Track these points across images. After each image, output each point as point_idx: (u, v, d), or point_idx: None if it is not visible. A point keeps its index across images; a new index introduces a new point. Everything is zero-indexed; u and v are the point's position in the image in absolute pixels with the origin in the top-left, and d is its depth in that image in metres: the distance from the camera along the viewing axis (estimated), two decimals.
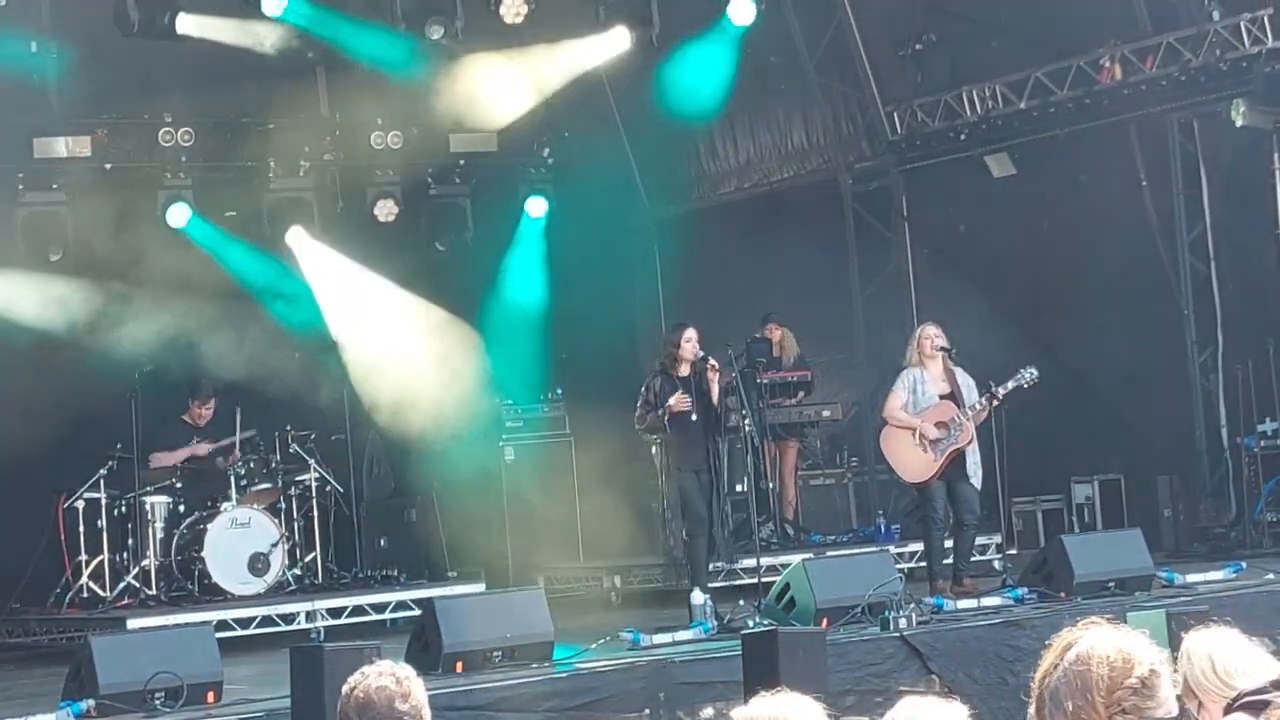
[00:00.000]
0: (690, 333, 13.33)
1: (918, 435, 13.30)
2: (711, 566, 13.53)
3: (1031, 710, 3.49)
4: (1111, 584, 12.66)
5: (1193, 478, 16.37)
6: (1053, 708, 3.45)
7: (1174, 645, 9.63)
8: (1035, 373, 13.29)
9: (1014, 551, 15.30)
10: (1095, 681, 3.42)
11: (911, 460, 13.43)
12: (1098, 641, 3.48)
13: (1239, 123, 15.60)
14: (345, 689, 4.98)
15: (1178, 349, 16.39)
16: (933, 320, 13.88)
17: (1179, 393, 16.35)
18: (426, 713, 4.97)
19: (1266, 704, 4.80)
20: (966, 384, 13.40)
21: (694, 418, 13.09)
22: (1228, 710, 5.18)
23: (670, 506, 13.28)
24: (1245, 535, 15.57)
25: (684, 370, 13.28)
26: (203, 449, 15.75)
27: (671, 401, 13.03)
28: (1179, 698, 5.33)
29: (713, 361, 13.21)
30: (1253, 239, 16.13)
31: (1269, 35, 15.25)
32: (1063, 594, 12.52)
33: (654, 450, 13.35)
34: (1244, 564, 13.60)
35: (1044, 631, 11.46)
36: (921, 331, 13.66)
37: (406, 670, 5.02)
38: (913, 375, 13.50)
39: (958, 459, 13.31)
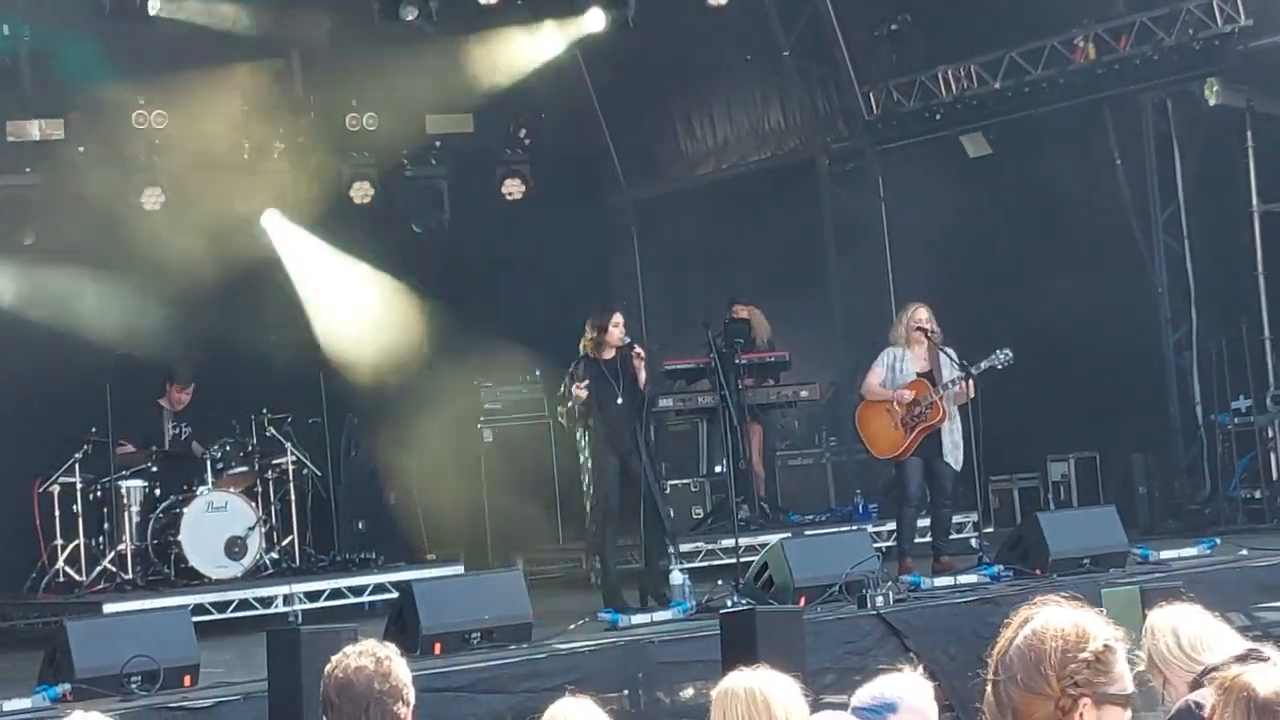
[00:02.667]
0: (618, 317, 13.15)
1: (892, 409, 13.32)
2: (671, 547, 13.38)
3: (988, 688, 3.52)
4: (1087, 561, 12.70)
5: (1167, 455, 16.42)
6: (1006, 681, 3.47)
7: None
8: (1009, 354, 13.31)
9: (990, 529, 15.35)
10: (1048, 654, 3.43)
11: (884, 436, 13.48)
12: (1053, 617, 3.49)
13: (1213, 101, 15.63)
14: (327, 669, 4.98)
15: (1152, 327, 16.44)
16: (925, 303, 13.79)
17: (1153, 371, 16.40)
18: (409, 692, 4.97)
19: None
20: (948, 366, 13.41)
21: (619, 401, 12.93)
22: (1193, 686, 5.21)
23: (593, 492, 13.04)
24: (1219, 512, 15.63)
25: (608, 354, 13.01)
26: (177, 431, 15.72)
27: (575, 390, 12.76)
28: (1144, 673, 5.37)
29: (638, 349, 13.09)
30: (1226, 217, 16.17)
31: (1241, 14, 15.28)
32: (1038, 571, 12.56)
33: (579, 437, 13.09)
34: (1218, 540, 13.65)
35: (1019, 609, 11.48)
36: (913, 313, 13.62)
37: (388, 650, 5.02)
38: (894, 353, 13.54)
39: (933, 437, 13.34)
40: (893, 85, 18.09)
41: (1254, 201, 15.83)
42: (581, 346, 13.13)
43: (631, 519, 12.98)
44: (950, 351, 13.45)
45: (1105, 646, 3.46)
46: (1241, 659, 3.83)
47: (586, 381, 12.78)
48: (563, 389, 13.08)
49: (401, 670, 5.03)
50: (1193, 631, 5.42)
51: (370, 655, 4.98)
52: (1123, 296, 16.50)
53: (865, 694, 4.98)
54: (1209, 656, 5.18)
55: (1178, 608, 5.55)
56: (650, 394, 13.48)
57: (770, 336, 17.39)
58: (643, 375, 13.02)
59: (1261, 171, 15.75)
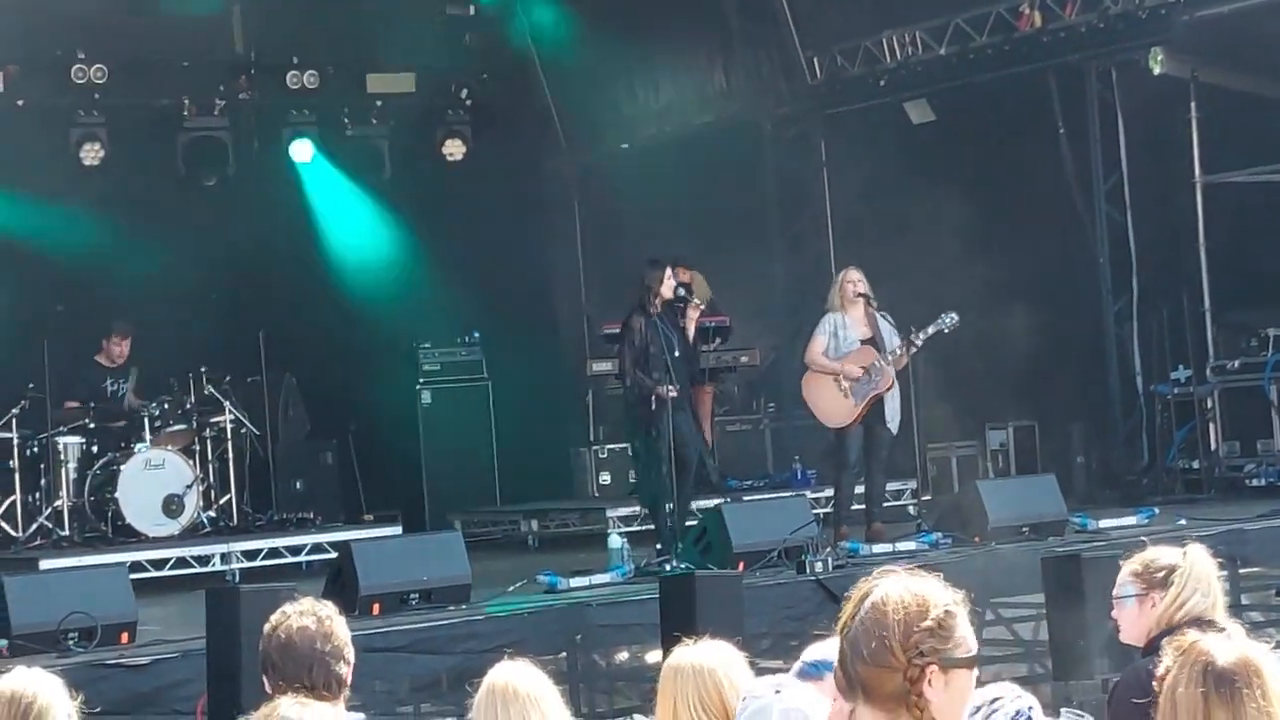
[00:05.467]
0: (670, 270, 13.23)
1: (840, 380, 13.31)
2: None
3: (835, 663, 3.51)
4: (1025, 529, 12.76)
5: (1106, 425, 16.49)
6: (853, 656, 3.46)
7: (1087, 589, 9.77)
8: (955, 318, 13.34)
9: (928, 497, 15.39)
10: (891, 626, 3.42)
11: (833, 406, 13.43)
12: (892, 588, 3.48)
13: (1157, 71, 15.66)
14: (267, 628, 4.95)
15: (1092, 297, 16.49)
16: (856, 265, 13.88)
17: (1093, 340, 16.46)
18: (350, 651, 4.95)
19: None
20: (887, 330, 13.43)
21: (676, 354, 12.96)
22: (1147, 649, 5.26)
23: (650, 451, 12.97)
24: (1158, 482, 15.72)
25: (661, 309, 13.04)
26: (115, 387, 15.63)
27: (661, 391, 12.74)
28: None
29: (695, 300, 13.15)
30: (1169, 188, 16.21)
31: None
32: (977, 538, 12.61)
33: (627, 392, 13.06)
34: (1156, 510, 13.73)
35: (957, 576, 11.41)
36: (844, 276, 13.64)
37: (329, 609, 4.99)
38: (834, 320, 13.51)
39: (877, 404, 13.35)
40: (837, 50, 18.07)
41: (1197, 172, 15.88)
42: (637, 301, 13.06)
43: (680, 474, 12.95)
44: (886, 315, 13.47)
45: (946, 612, 3.45)
46: (1201, 626, 3.85)
47: (673, 389, 12.68)
48: (629, 355, 12.96)
49: (342, 629, 5.02)
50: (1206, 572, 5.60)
51: (311, 615, 4.96)
52: (1064, 266, 16.55)
53: (815, 651, 4.97)
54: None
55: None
56: (698, 347, 13.44)
57: (711, 300, 17.37)
58: (692, 329, 13.02)
59: (1205, 142, 15.80)
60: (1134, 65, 16.01)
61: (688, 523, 13.09)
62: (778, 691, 4.25)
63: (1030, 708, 4.39)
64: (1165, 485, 15.63)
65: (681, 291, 13.17)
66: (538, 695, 4.98)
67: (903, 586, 3.48)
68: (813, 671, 4.87)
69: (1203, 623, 5.52)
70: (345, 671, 4.95)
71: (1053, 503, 13.11)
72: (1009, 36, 16.51)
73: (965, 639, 3.46)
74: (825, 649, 4.98)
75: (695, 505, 14.18)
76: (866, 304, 13.46)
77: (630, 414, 13.13)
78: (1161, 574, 5.83)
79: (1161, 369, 16.00)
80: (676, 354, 12.86)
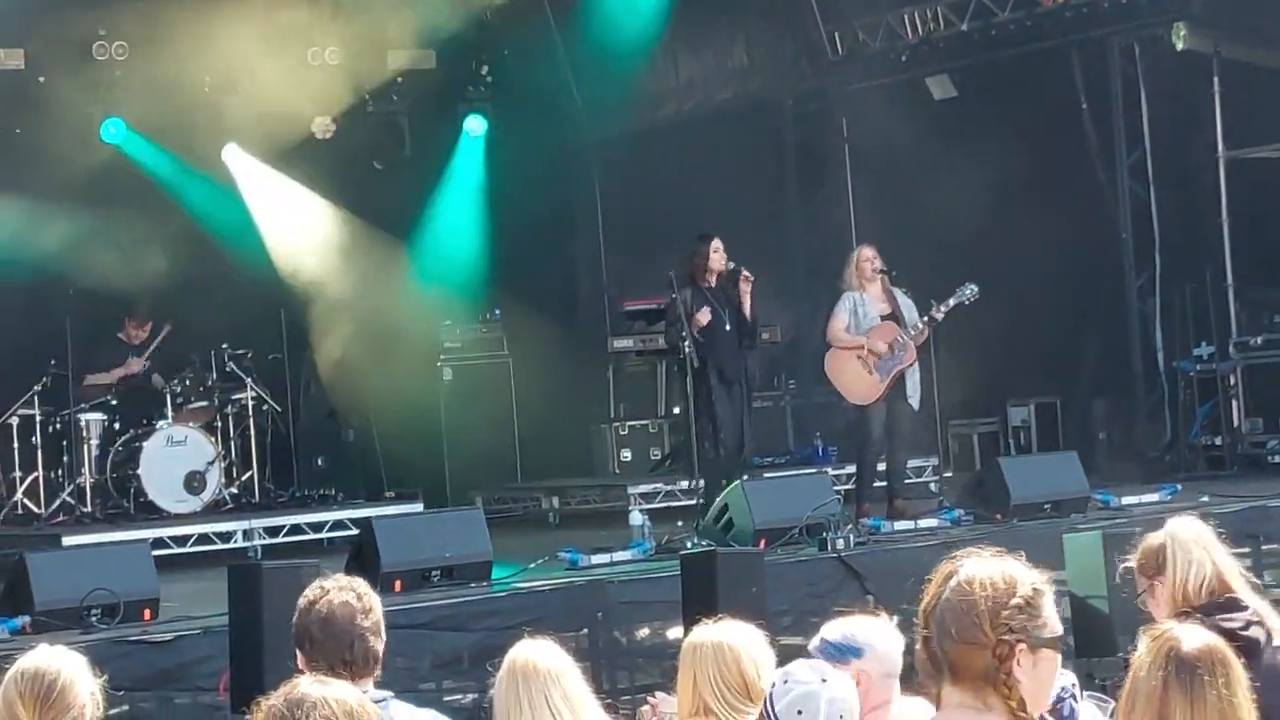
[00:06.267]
0: (717, 243, 13.27)
1: (865, 355, 13.26)
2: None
3: (919, 644, 3.51)
4: (1047, 506, 12.72)
5: (1128, 401, 16.45)
6: (940, 635, 3.46)
7: (1109, 566, 9.75)
8: (975, 289, 13.31)
9: (949, 474, 15.38)
10: (978, 605, 3.44)
11: (857, 383, 13.40)
12: (978, 568, 3.51)
13: (1180, 46, 15.60)
14: (304, 603, 4.96)
15: (1115, 273, 16.45)
16: (869, 242, 13.86)
17: (1116, 317, 16.42)
18: (382, 626, 4.98)
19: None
20: (907, 305, 13.41)
21: (727, 328, 12.96)
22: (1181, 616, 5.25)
23: (710, 422, 13.04)
24: (1180, 458, 15.68)
25: (712, 281, 13.17)
26: (136, 365, 15.65)
27: (698, 315, 12.90)
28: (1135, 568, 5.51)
29: (745, 272, 13.16)
30: (1192, 163, 16.17)
31: None
32: (999, 516, 12.59)
33: (681, 361, 13.13)
34: (1179, 487, 13.69)
35: None
36: (859, 254, 13.63)
37: (363, 585, 5.03)
38: (853, 298, 13.48)
39: (899, 380, 13.32)
40: (858, 26, 18.02)
41: (1219, 147, 15.83)
42: (686, 275, 13.12)
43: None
44: (905, 290, 13.45)
45: (1034, 590, 3.49)
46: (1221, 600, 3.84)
47: (707, 309, 12.77)
48: (672, 319, 13.08)
49: (378, 606, 5.06)
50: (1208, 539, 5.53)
51: (350, 590, 5.00)
52: (1086, 242, 16.51)
53: (834, 631, 4.95)
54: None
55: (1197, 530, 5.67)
56: (754, 319, 13.47)
57: None
58: (748, 301, 13.03)
59: (1227, 117, 15.74)
60: (1157, 40, 15.96)
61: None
62: (824, 680, 4.26)
63: (1073, 684, 4.40)
64: (1188, 462, 15.60)
65: (733, 264, 13.18)
66: (559, 672, 4.99)
67: (989, 565, 3.51)
68: (838, 655, 4.85)
69: (1222, 599, 5.50)
70: (380, 648, 4.98)
71: (1075, 480, 13.07)
72: (1031, 11, 16.46)
73: (1051, 619, 3.49)
74: (847, 628, 4.96)
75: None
76: (884, 280, 13.43)
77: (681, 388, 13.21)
78: (1156, 560, 5.84)
79: (1184, 345, 15.96)
80: (728, 328, 12.88)
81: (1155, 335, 16.33)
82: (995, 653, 3.42)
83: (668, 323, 13.37)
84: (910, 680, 4.71)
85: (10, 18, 16.08)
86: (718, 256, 13.15)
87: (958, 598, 3.46)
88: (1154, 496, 13.27)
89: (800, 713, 4.17)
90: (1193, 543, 5.74)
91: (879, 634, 5.01)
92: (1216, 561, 5.71)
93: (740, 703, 4.90)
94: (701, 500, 13.02)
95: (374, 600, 5.02)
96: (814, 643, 4.97)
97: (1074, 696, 4.40)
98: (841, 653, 4.87)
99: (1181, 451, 15.75)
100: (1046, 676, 3.47)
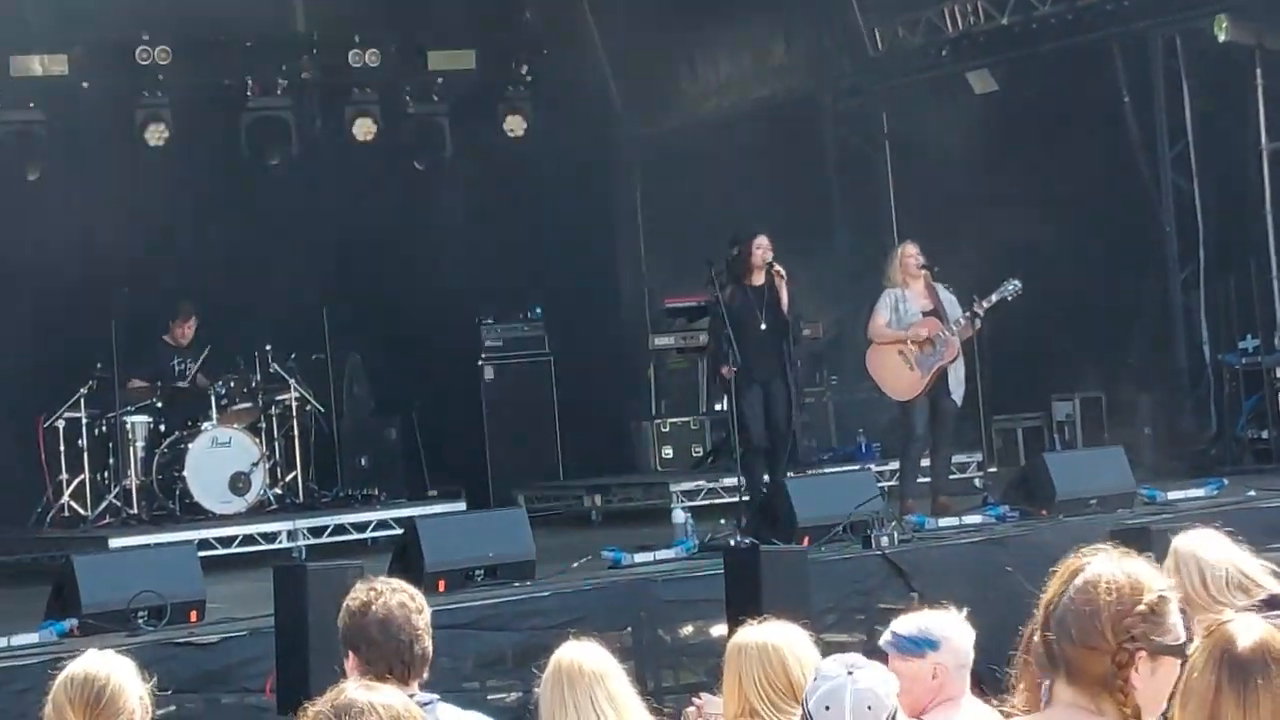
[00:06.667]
0: (763, 239, 13.19)
1: (906, 352, 13.24)
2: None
3: (1037, 638, 3.46)
4: (1093, 501, 12.67)
5: (1173, 395, 16.36)
6: (1060, 635, 3.40)
7: (1156, 563, 9.68)
8: (1018, 284, 13.28)
9: (994, 470, 15.33)
10: (1102, 608, 3.38)
11: (899, 379, 13.38)
12: (1104, 568, 3.44)
13: (1222, 38, 15.52)
14: (356, 605, 4.97)
15: (1159, 266, 16.37)
16: (912, 239, 13.84)
17: (1160, 310, 16.34)
18: (430, 627, 5.03)
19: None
20: (949, 300, 13.37)
21: (762, 327, 12.91)
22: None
23: (743, 415, 13.02)
24: (1226, 452, 15.58)
25: (758, 279, 13.07)
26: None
27: (723, 371, 12.81)
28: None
29: (778, 268, 13.12)
30: (1235, 156, 16.07)
31: None
32: (1044, 512, 12.54)
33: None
34: (1225, 481, 13.62)
35: (1025, 549, 11.50)
36: (902, 250, 13.62)
37: (411, 587, 5.06)
38: (894, 294, 13.46)
39: (941, 376, 13.28)
40: (898, 21, 17.97)
41: (1263, 140, 15.74)
42: (729, 272, 13.09)
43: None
44: (948, 286, 13.42)
45: (1160, 598, 3.41)
46: (1268, 603, 3.79)
47: (734, 369, 12.71)
48: (711, 318, 13.00)
49: (428, 608, 5.08)
50: (1219, 569, 5.39)
51: (404, 592, 5.04)
52: (1129, 235, 16.43)
53: (908, 624, 4.94)
54: (1236, 600, 5.16)
55: (1204, 537, 5.50)
56: (794, 316, 13.42)
57: None
58: (785, 297, 12.98)
59: (1271, 109, 15.64)
60: (1198, 32, 15.87)
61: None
62: (850, 672, 4.24)
63: None
64: (1234, 455, 15.49)
65: (770, 258, 13.15)
66: (604, 673, 5.00)
67: (1115, 567, 3.44)
68: (913, 648, 4.84)
69: (1267, 596, 5.41)
70: (430, 649, 5.00)
71: (1120, 475, 13.01)
72: (1072, 5, 16.38)
73: (1176, 626, 3.42)
74: (921, 621, 4.94)
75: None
76: (927, 276, 13.41)
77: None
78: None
79: (1229, 338, 15.87)
80: (764, 327, 12.81)
81: (1200, 328, 16.24)
82: (1115, 659, 3.36)
83: (712, 321, 13.27)
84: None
85: (53, 24, 16.18)
86: (761, 253, 13.11)
87: (1081, 599, 3.40)
88: (1200, 491, 13.20)
89: (828, 708, 4.17)
90: (1181, 563, 5.52)
91: (953, 627, 5.02)
92: (1217, 574, 5.56)
93: (786, 704, 4.90)
94: (744, 498, 13.02)
95: (424, 601, 5.06)
96: (885, 637, 4.97)
97: None
98: (917, 645, 4.87)
99: (1227, 445, 15.66)
100: (1165, 683, 3.40)
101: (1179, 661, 3.42)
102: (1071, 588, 3.43)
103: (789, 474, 13.10)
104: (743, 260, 13.13)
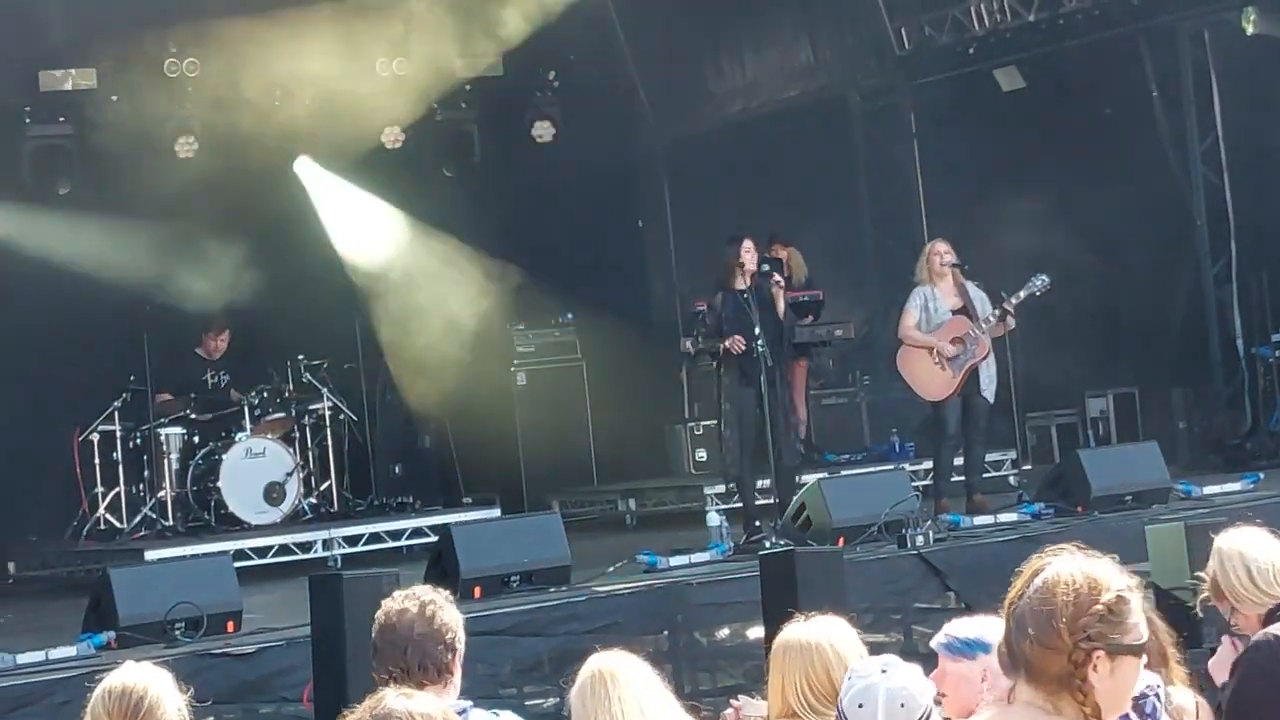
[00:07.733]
0: (748, 243, 13.02)
1: (935, 353, 13.22)
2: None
3: (1000, 639, 3.47)
4: (1128, 497, 12.64)
5: (1207, 390, 16.31)
6: (1018, 635, 3.41)
7: (1193, 557, 9.65)
8: (1046, 280, 13.25)
9: (1028, 467, 15.30)
10: (1060, 608, 3.38)
11: (930, 379, 13.35)
12: (1064, 568, 3.43)
13: (1250, 31, 15.47)
14: (394, 613, 4.97)
15: (1191, 260, 16.32)
16: (942, 237, 13.82)
17: (1193, 304, 16.30)
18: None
19: None
20: (979, 298, 13.35)
21: (756, 332, 12.86)
22: (1268, 618, 5.15)
23: (729, 425, 12.99)
24: (1261, 446, 15.53)
25: (744, 284, 12.88)
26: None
27: (727, 344, 12.76)
28: (1207, 598, 5.33)
29: (776, 277, 13.06)
30: (1265, 148, 16.02)
31: None
32: (1079, 508, 12.52)
33: (715, 367, 13.06)
34: (1261, 475, 13.58)
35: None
36: (931, 248, 13.60)
37: (430, 593, 5.08)
38: (924, 293, 13.44)
39: (972, 374, 13.25)
40: (925, 19, 17.95)
41: None
42: (717, 279, 13.03)
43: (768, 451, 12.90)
44: (978, 283, 13.39)
45: (1118, 597, 3.41)
46: None
47: (739, 338, 12.67)
48: (699, 326, 12.99)
49: (445, 613, 5.07)
50: (1265, 563, 5.36)
51: (440, 598, 5.03)
52: (1161, 230, 16.39)
53: (961, 629, 4.92)
54: None
55: (1247, 534, 5.48)
56: (789, 321, 13.34)
57: (807, 277, 17.34)
58: (781, 303, 12.94)
59: None
60: (1227, 25, 15.83)
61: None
62: (884, 671, 4.23)
63: (1158, 684, 4.34)
64: (1269, 449, 15.44)
65: (765, 266, 13.07)
66: (637, 681, 4.98)
67: (1075, 566, 3.44)
68: (965, 650, 4.83)
69: None
70: (442, 657, 5.00)
71: (1156, 470, 12.98)
72: (1098, 0, 16.34)
73: (1136, 626, 3.42)
74: (974, 624, 4.93)
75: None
76: (956, 273, 13.38)
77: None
78: (1214, 585, 5.69)
79: (1262, 331, 15.82)
80: (757, 331, 12.73)
81: (1233, 322, 16.19)
82: (1071, 658, 3.36)
83: (699, 329, 13.17)
84: None
85: (82, 38, 16.23)
86: (750, 257, 12.98)
87: (1038, 599, 3.41)
88: (1236, 486, 13.17)
89: (861, 706, 4.16)
90: (1228, 560, 5.48)
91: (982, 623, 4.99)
92: (1267, 566, 5.53)
93: (824, 707, 4.89)
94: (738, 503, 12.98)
95: (438, 608, 5.06)
96: (937, 639, 4.96)
97: (1158, 696, 4.35)
98: (970, 648, 4.86)
99: (1262, 439, 15.60)
100: (1125, 682, 3.40)
101: (1140, 661, 3.42)
102: (1031, 588, 3.44)
103: (796, 476, 13.06)
104: (730, 264, 12.97)
